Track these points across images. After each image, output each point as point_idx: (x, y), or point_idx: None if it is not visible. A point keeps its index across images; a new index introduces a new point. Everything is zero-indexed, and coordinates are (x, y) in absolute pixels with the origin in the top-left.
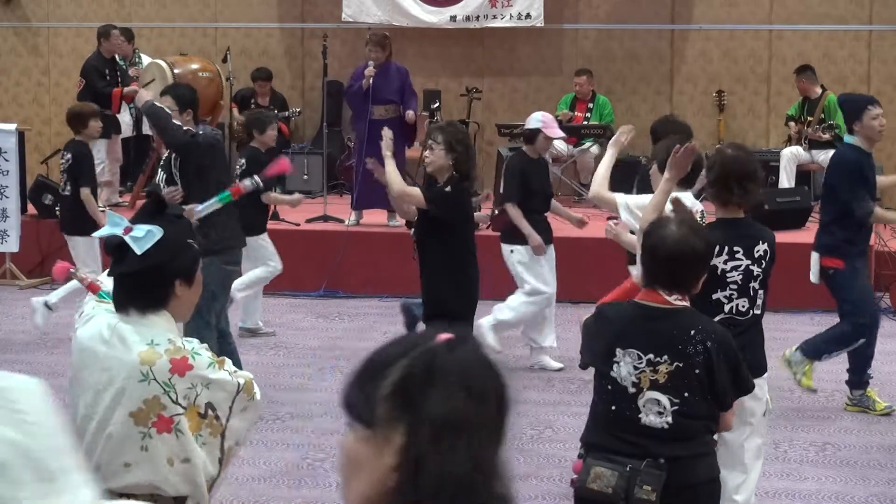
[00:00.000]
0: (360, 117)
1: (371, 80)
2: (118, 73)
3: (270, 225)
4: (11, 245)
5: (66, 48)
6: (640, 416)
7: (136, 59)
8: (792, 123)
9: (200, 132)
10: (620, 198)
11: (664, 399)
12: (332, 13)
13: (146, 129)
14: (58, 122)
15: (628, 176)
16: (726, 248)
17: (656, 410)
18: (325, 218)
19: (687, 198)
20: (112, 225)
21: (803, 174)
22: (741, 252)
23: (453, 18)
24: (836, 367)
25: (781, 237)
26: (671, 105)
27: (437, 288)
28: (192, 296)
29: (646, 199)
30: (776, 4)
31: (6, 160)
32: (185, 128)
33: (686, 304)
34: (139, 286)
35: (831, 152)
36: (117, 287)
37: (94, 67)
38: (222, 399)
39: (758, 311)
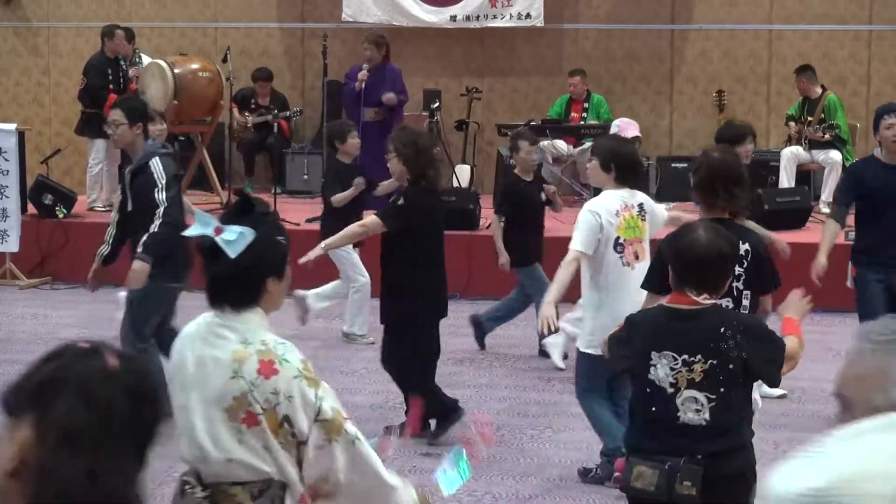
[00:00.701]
0: (352, 118)
1: (364, 84)
2: (120, 73)
3: None
4: (11, 245)
5: (66, 48)
6: (678, 414)
7: (136, 59)
8: (792, 123)
9: (149, 147)
10: (571, 249)
11: (701, 396)
12: (332, 13)
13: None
14: (58, 122)
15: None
16: None
17: (694, 408)
18: None
19: (632, 195)
20: (202, 225)
21: (803, 174)
22: None
23: (453, 18)
24: (836, 367)
25: (781, 237)
26: (671, 105)
27: (400, 296)
28: (283, 288)
29: (581, 221)
30: (776, 4)
31: (6, 160)
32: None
33: (713, 302)
34: (233, 286)
35: (831, 152)
36: (211, 286)
37: (95, 67)
38: (301, 419)
39: (744, 311)
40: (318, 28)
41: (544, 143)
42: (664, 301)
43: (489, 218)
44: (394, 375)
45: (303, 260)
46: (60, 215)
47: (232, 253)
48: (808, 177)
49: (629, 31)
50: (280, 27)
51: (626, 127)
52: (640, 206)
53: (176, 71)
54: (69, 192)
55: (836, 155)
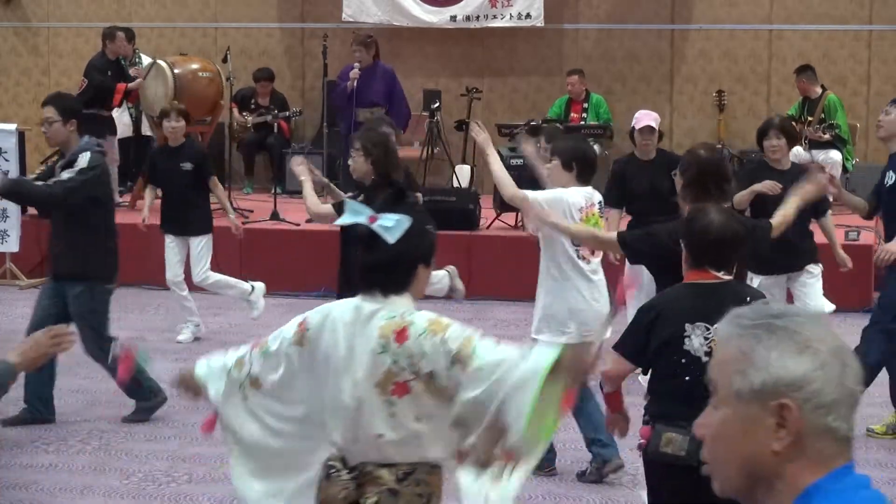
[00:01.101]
0: (344, 118)
1: (355, 83)
2: (121, 74)
3: (269, 225)
4: (11, 245)
5: (66, 48)
6: None
7: (136, 60)
8: (792, 123)
9: (84, 143)
10: (531, 194)
11: None
12: (332, 13)
13: (146, 129)
14: None
15: None
16: None
17: None
18: None
19: (593, 193)
20: (355, 213)
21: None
22: None
23: (453, 18)
24: None
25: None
26: (671, 105)
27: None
28: (428, 275)
29: (550, 193)
30: (776, 4)
31: (6, 160)
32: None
33: (730, 278)
34: (387, 272)
35: (831, 152)
36: (365, 273)
37: (97, 68)
38: (440, 368)
39: None
40: (319, 28)
41: (544, 143)
42: (687, 280)
43: (489, 218)
44: None
45: None
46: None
47: (391, 239)
48: None
49: (629, 31)
50: (280, 27)
51: (642, 118)
52: (600, 203)
53: (176, 71)
54: None
55: (836, 155)
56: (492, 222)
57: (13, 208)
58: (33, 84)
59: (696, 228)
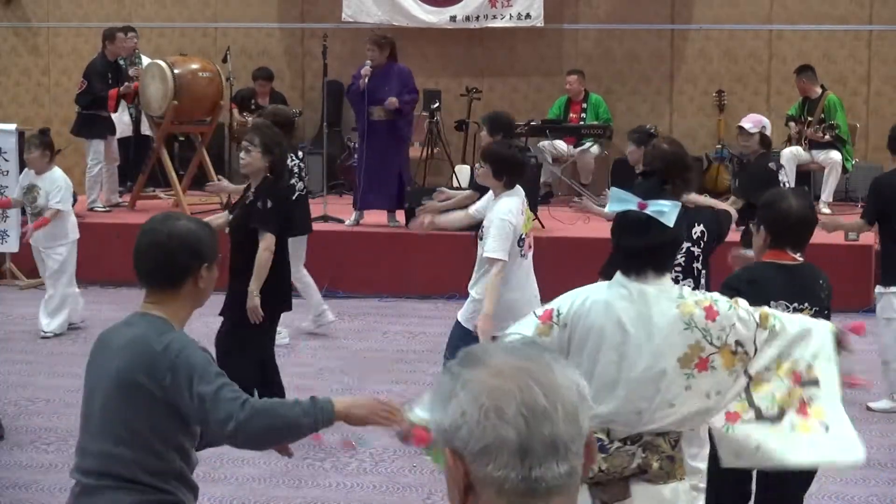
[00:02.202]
0: (359, 117)
1: (367, 80)
2: (121, 75)
3: None
4: (11, 245)
5: (66, 48)
6: None
7: (136, 60)
8: (792, 123)
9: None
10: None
11: None
12: (332, 13)
13: (145, 129)
14: (58, 122)
15: (632, 176)
16: None
17: None
18: (325, 218)
19: (520, 191)
20: (621, 201)
21: (803, 174)
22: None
23: (453, 18)
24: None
25: None
26: (671, 105)
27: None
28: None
29: (502, 224)
30: (776, 4)
31: (6, 160)
32: None
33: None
34: (664, 252)
35: (831, 152)
36: (635, 257)
37: (96, 70)
38: (746, 336)
39: (703, 290)
40: (318, 28)
41: (544, 143)
42: (766, 259)
43: None
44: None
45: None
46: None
47: (669, 222)
48: (808, 177)
49: (629, 31)
50: (280, 27)
51: (746, 120)
52: (525, 200)
53: (176, 71)
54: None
55: (835, 155)
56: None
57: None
58: (33, 84)
59: (777, 212)
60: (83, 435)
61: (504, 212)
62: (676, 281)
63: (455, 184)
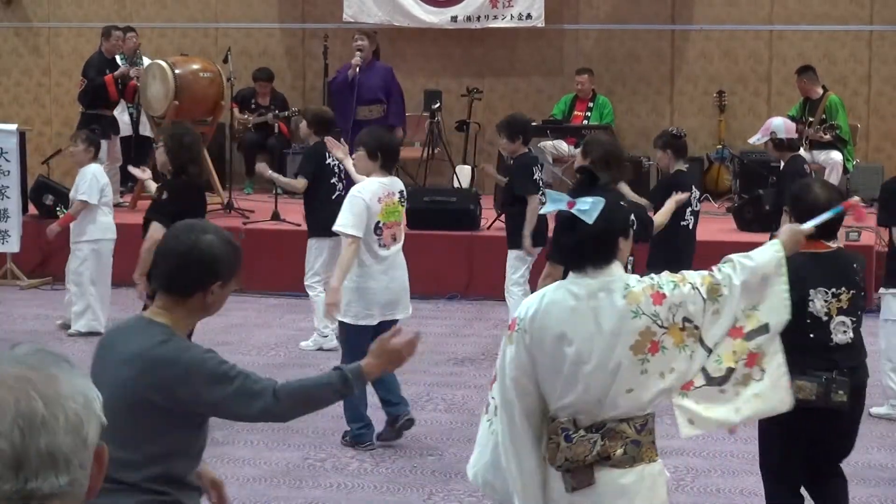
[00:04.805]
0: (344, 115)
1: (357, 71)
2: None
3: (270, 225)
4: (12, 245)
5: (66, 48)
6: (831, 336)
7: (137, 60)
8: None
9: None
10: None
11: (847, 320)
12: (332, 13)
13: (145, 129)
14: (58, 122)
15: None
16: None
17: (842, 330)
18: None
19: (393, 182)
20: (555, 202)
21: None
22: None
23: (454, 19)
24: None
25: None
26: (672, 105)
27: None
28: (628, 245)
29: (355, 193)
30: (776, 5)
31: (7, 160)
32: None
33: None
34: (593, 248)
35: (832, 153)
36: (572, 252)
37: (94, 67)
38: (695, 311)
39: (633, 274)
40: (319, 28)
41: (545, 142)
42: (803, 249)
43: (489, 218)
44: None
45: None
46: (61, 216)
47: (589, 220)
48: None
49: (629, 32)
50: (281, 27)
51: (756, 135)
52: (401, 192)
53: (177, 71)
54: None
55: (836, 155)
56: (492, 223)
57: (14, 208)
58: (34, 84)
59: (805, 204)
60: None
61: (358, 188)
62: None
63: (456, 184)
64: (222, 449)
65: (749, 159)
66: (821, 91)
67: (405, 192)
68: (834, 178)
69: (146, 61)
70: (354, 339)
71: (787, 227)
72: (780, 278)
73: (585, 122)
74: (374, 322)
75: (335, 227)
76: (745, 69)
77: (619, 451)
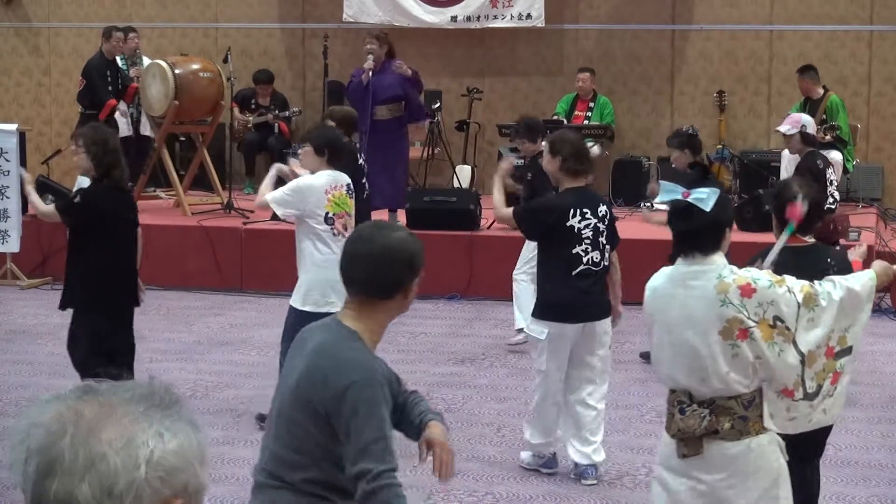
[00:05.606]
0: (362, 116)
1: (371, 74)
2: (119, 74)
3: (269, 225)
4: (12, 245)
5: (66, 48)
6: None
7: (138, 60)
8: None
9: None
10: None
11: None
12: (332, 13)
13: (145, 129)
14: (58, 122)
15: (633, 176)
16: (578, 210)
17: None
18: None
19: (339, 176)
20: (669, 191)
21: None
22: (589, 213)
23: (454, 19)
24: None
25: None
26: (672, 105)
27: (81, 286)
28: (729, 237)
29: (301, 181)
30: (777, 5)
31: (7, 160)
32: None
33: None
34: (705, 235)
35: (832, 153)
36: (686, 238)
37: (94, 68)
38: (787, 314)
39: (606, 263)
40: (319, 28)
41: (545, 143)
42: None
43: (490, 218)
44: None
45: None
46: None
47: (707, 208)
48: None
49: (630, 32)
50: (281, 27)
51: (784, 124)
52: (348, 185)
53: (177, 71)
54: (70, 192)
55: (836, 156)
56: (492, 223)
57: (14, 208)
58: (34, 84)
59: (781, 200)
60: (266, 432)
61: (311, 177)
62: (586, 253)
63: (456, 184)
64: (222, 449)
65: (749, 159)
66: (821, 91)
67: (352, 185)
68: (834, 178)
69: (146, 61)
70: (298, 324)
71: (880, 262)
72: (868, 304)
73: (586, 121)
74: (336, 309)
75: (266, 197)
76: (746, 69)
77: (727, 426)
